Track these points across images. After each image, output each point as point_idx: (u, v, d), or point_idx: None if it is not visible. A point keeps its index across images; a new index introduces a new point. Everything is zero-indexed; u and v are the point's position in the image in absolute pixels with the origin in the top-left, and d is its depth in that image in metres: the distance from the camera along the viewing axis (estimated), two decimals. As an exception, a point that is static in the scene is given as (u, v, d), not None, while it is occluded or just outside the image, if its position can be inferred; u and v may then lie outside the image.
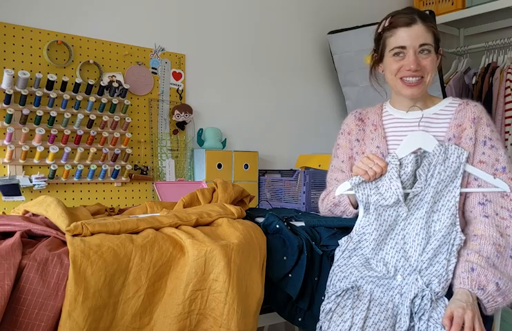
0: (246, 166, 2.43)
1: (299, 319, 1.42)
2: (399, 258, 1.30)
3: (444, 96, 2.62)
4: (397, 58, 1.40)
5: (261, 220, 1.54)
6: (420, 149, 1.35)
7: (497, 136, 1.36)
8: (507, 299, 1.20)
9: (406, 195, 1.32)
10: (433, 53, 1.39)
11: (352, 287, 1.30)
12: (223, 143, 2.50)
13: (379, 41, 1.47)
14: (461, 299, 1.17)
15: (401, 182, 1.31)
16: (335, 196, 1.45)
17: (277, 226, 1.47)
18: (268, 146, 2.73)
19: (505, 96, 2.78)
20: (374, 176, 1.32)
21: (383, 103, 1.55)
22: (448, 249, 1.26)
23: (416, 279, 1.25)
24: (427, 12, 2.45)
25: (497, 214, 1.29)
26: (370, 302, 1.26)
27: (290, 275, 1.39)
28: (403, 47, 1.38)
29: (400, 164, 1.32)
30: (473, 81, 3.02)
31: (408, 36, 1.36)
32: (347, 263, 1.35)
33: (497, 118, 2.78)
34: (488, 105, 2.81)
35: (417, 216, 1.31)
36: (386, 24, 1.43)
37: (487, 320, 1.31)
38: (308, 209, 2.20)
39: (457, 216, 1.29)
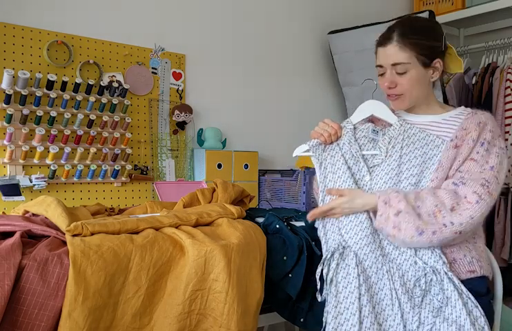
0: (246, 166, 2.43)
1: (301, 320, 1.42)
2: (370, 223, 1.34)
3: (444, 96, 2.62)
4: (380, 76, 1.46)
5: (261, 220, 1.54)
6: (384, 125, 1.46)
7: (498, 144, 1.34)
8: (399, 235, 1.26)
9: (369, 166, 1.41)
10: (413, 70, 1.38)
11: (334, 251, 1.33)
12: (223, 143, 2.50)
13: None
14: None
15: (359, 145, 1.42)
16: (296, 154, 1.49)
17: (277, 226, 1.48)
18: (268, 146, 2.73)
19: (505, 96, 2.78)
20: (329, 138, 1.42)
21: None
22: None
23: (415, 262, 1.28)
24: (427, 13, 2.46)
25: (465, 197, 1.27)
26: (358, 273, 1.28)
27: (290, 275, 1.39)
28: (381, 66, 1.44)
29: (355, 129, 1.44)
30: (473, 81, 3.02)
31: (383, 56, 1.42)
32: (323, 230, 1.39)
33: (497, 118, 2.77)
34: (488, 105, 2.81)
35: (384, 188, 1.35)
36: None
37: (487, 316, 1.31)
38: (308, 209, 2.20)
39: None
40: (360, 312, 1.23)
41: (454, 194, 1.27)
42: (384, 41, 1.41)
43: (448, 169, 1.33)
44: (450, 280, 1.24)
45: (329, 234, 1.37)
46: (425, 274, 1.26)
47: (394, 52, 1.37)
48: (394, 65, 1.38)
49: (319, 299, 1.32)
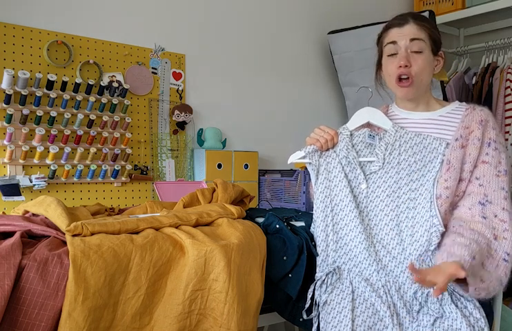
0: (246, 166, 2.43)
1: (301, 320, 1.42)
2: (367, 235, 1.33)
3: (444, 96, 2.62)
4: (391, 58, 1.43)
5: (261, 220, 1.54)
6: (379, 129, 1.45)
7: (501, 140, 1.38)
8: (489, 295, 1.22)
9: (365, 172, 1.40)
10: (427, 52, 1.40)
11: (329, 272, 1.33)
12: (223, 143, 2.50)
13: (378, 45, 1.52)
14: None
15: (356, 152, 1.41)
16: (291, 161, 1.48)
17: (277, 226, 1.47)
18: (268, 146, 2.73)
19: (505, 96, 2.78)
20: (326, 144, 1.41)
21: (389, 104, 1.57)
22: (426, 238, 1.29)
23: (411, 273, 1.26)
24: (427, 13, 2.46)
25: (495, 216, 1.28)
26: (352, 290, 1.30)
27: (290, 275, 1.39)
28: (394, 42, 1.41)
29: (351, 135, 1.43)
30: (473, 81, 3.02)
31: (400, 33, 1.41)
32: (322, 247, 1.38)
33: (497, 118, 2.78)
34: (488, 105, 2.81)
35: (382, 197, 1.35)
36: (383, 27, 1.49)
37: (487, 316, 1.32)
38: (308, 209, 2.20)
39: (435, 205, 1.30)
40: (353, 322, 1.23)
41: (485, 219, 1.28)
42: (400, 21, 1.41)
43: (460, 169, 1.34)
44: (446, 289, 1.23)
45: (324, 247, 1.37)
46: (421, 286, 1.25)
47: (413, 30, 1.39)
48: (412, 40, 1.38)
49: (304, 317, 1.33)
